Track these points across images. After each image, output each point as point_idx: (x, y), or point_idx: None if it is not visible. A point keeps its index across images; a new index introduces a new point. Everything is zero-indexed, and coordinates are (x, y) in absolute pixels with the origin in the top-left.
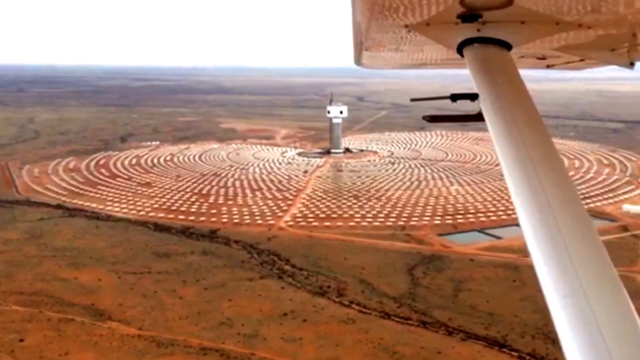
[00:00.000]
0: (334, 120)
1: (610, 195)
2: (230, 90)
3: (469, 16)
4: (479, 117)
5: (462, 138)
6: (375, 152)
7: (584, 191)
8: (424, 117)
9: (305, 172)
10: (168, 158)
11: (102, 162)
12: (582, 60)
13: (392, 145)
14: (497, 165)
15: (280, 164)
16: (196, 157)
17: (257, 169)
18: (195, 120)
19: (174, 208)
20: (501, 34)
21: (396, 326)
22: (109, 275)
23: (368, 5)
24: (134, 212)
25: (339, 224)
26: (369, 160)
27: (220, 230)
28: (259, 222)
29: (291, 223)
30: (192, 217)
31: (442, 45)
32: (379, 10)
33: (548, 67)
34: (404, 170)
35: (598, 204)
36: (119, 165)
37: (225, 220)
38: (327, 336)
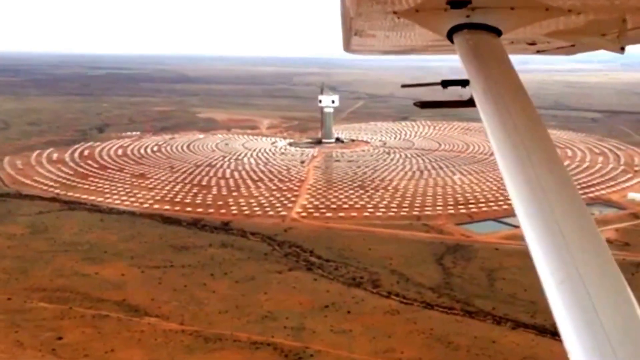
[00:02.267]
0: (326, 110)
1: (612, 183)
2: (196, 80)
3: (458, 2)
4: (470, 103)
5: (450, 128)
6: (366, 142)
7: (584, 180)
8: (415, 104)
9: (302, 162)
10: (155, 149)
11: (86, 153)
12: (572, 45)
13: (382, 135)
14: (493, 154)
15: (273, 154)
16: (184, 148)
17: (252, 160)
18: (171, 110)
19: (177, 200)
20: (491, 19)
21: (442, 316)
22: (132, 270)
23: None
24: (136, 204)
25: (353, 214)
26: (362, 150)
27: (232, 222)
28: (270, 213)
29: (304, 214)
30: (199, 209)
31: (431, 32)
32: None
33: (538, 52)
34: (401, 160)
35: (603, 192)
36: (105, 156)
37: (235, 211)
38: (376, 328)
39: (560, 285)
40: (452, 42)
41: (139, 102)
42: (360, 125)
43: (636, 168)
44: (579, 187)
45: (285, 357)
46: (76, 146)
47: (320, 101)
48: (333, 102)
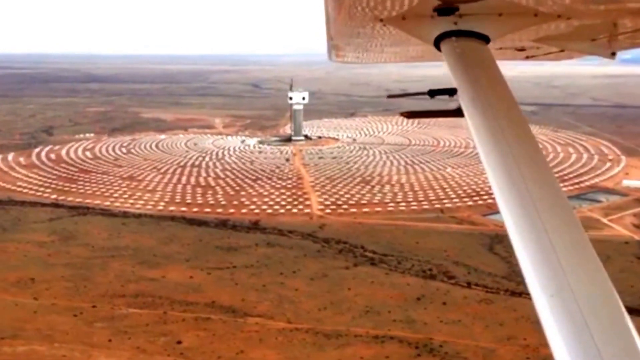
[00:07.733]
0: (295, 107)
1: (597, 172)
2: (106, 79)
3: (445, 9)
4: (457, 113)
5: (405, 122)
6: (335, 139)
7: (569, 170)
8: (402, 114)
9: (287, 160)
10: (124, 151)
11: (52, 156)
12: (562, 50)
13: (344, 132)
14: (467, 147)
15: (252, 152)
16: (153, 148)
17: (234, 159)
18: (107, 110)
19: (189, 201)
20: (478, 26)
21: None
22: (197, 272)
23: None
24: (148, 207)
25: (377, 209)
26: (338, 147)
27: (261, 222)
28: (294, 211)
29: (327, 211)
30: (219, 210)
31: (418, 39)
32: (353, 4)
33: (527, 58)
34: (384, 156)
35: (594, 181)
36: (75, 159)
37: (256, 211)
38: (481, 316)
39: (551, 298)
40: (439, 49)
41: (65, 102)
42: (316, 122)
43: (610, 157)
44: (567, 177)
45: (416, 349)
46: (36, 150)
47: (290, 98)
48: (303, 98)
